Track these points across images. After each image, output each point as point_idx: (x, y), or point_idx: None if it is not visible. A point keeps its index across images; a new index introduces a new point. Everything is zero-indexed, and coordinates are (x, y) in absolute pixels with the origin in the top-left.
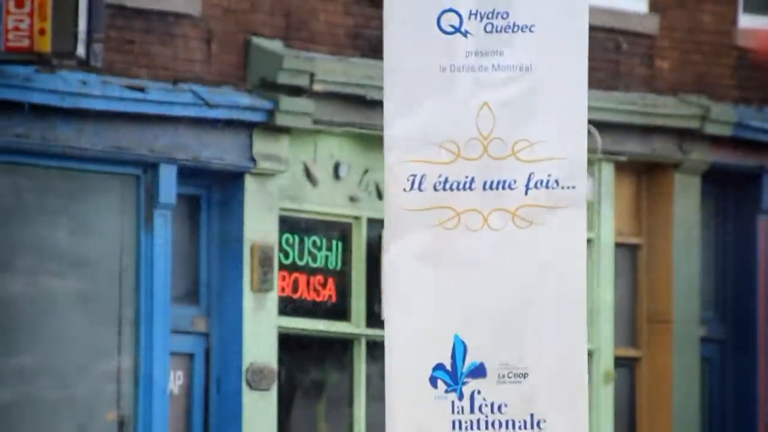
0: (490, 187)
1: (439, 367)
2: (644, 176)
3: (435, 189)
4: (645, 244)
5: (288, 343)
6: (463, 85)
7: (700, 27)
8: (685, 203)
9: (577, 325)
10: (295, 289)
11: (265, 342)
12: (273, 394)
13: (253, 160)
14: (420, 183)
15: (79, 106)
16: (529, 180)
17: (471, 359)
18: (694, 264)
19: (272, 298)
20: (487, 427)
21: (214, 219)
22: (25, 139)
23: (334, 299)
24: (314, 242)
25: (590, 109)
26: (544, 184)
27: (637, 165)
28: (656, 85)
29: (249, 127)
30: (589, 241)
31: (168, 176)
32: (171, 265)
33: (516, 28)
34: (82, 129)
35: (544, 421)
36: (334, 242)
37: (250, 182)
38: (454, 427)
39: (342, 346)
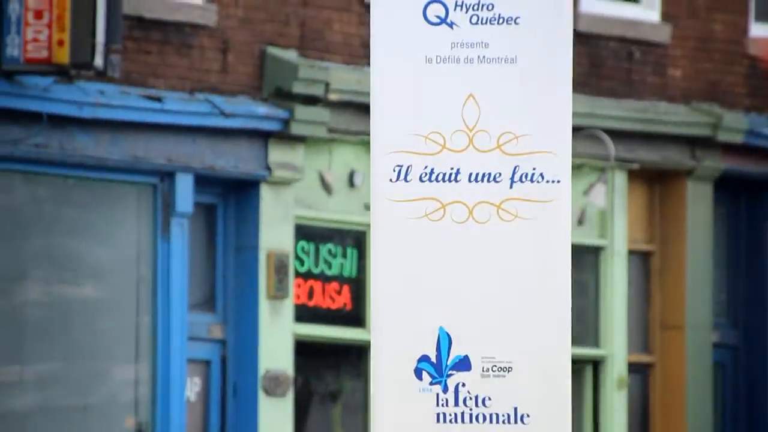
0: (476, 180)
1: (424, 358)
2: (657, 184)
3: (421, 180)
4: (657, 251)
5: (304, 349)
6: (448, 77)
7: (711, 36)
8: (698, 210)
9: (561, 320)
10: (310, 297)
11: (281, 349)
12: (289, 401)
13: (268, 168)
14: (406, 174)
15: (97, 116)
16: (514, 173)
17: (456, 352)
18: (707, 270)
19: (288, 306)
20: (471, 421)
21: (230, 227)
22: (44, 149)
23: (349, 306)
24: (329, 250)
25: (603, 117)
26: (529, 177)
27: (649, 173)
28: (668, 94)
29: (264, 136)
30: (602, 248)
31: (184, 185)
32: (188, 272)
33: (501, 20)
34: (99, 139)
35: (528, 415)
36: (349, 250)
37: (265, 191)
38: (438, 420)
39: (357, 352)
